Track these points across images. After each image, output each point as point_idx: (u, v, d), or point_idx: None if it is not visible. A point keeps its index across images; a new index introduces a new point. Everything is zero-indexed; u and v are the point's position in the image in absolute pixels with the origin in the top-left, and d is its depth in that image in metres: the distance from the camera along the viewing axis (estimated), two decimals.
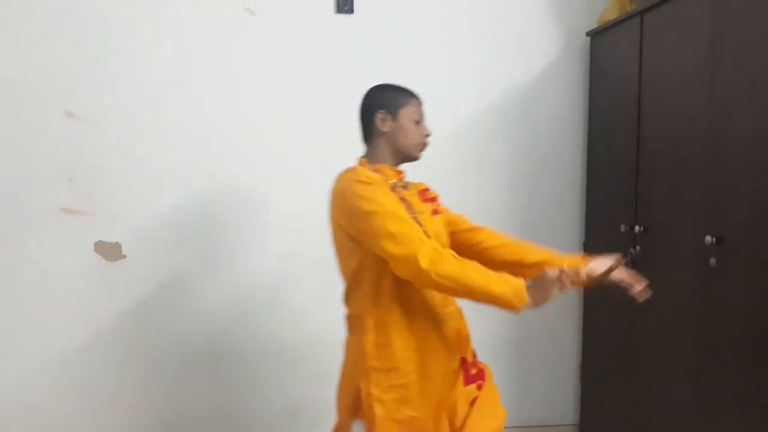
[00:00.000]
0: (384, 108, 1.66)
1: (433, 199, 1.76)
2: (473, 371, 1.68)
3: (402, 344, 1.57)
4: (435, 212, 1.72)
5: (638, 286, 1.65)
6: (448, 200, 1.80)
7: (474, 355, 1.73)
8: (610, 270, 1.57)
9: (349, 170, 1.63)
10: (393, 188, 1.62)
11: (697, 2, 1.91)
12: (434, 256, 1.45)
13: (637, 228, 2.23)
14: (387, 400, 1.55)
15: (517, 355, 2.73)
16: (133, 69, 2.36)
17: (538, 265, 1.64)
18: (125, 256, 2.41)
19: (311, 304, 2.52)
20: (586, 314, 2.73)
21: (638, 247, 2.23)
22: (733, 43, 1.77)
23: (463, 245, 1.74)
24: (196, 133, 2.42)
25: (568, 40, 2.68)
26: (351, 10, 2.49)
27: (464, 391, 1.64)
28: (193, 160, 2.43)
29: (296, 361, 2.56)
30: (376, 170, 1.64)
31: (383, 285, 1.57)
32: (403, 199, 1.61)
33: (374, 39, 2.52)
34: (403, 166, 1.71)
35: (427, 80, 2.27)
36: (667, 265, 2.09)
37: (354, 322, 1.65)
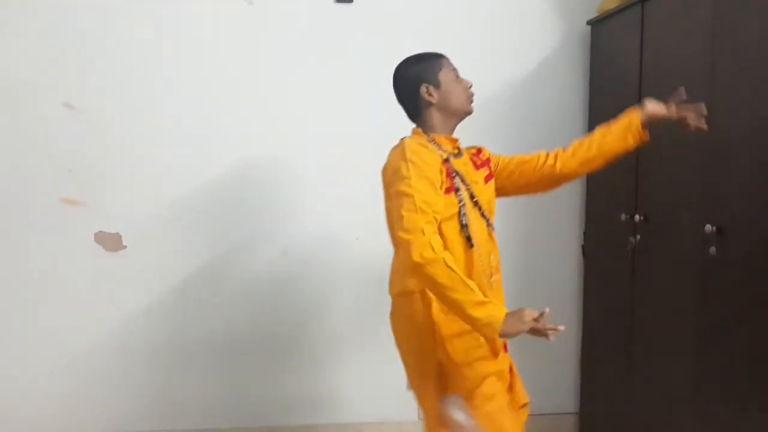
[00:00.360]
0: (424, 80, 1.68)
1: (487, 162, 1.80)
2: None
3: None
4: (488, 177, 1.77)
5: (699, 119, 1.71)
6: None
7: None
8: (669, 108, 1.72)
9: (401, 144, 1.63)
10: (446, 161, 1.63)
11: None
12: (427, 254, 1.45)
13: (637, 217, 2.23)
14: (474, 362, 1.61)
15: (517, 343, 2.70)
16: (132, 61, 2.35)
17: (599, 153, 1.79)
18: (125, 247, 2.41)
19: (312, 298, 2.53)
20: (586, 302, 2.74)
21: (638, 236, 2.24)
22: (733, 32, 1.77)
23: (531, 174, 1.81)
24: (196, 123, 2.42)
25: (569, 30, 2.67)
26: (350, 0, 2.48)
27: (506, 356, 1.75)
28: (193, 151, 2.43)
29: (300, 354, 2.57)
30: (432, 141, 1.66)
31: None
32: (455, 173, 1.63)
33: (373, 29, 2.51)
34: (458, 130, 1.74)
35: None
36: (667, 254, 2.09)
37: (408, 299, 1.66)
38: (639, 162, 2.25)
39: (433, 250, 1.46)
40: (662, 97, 1.83)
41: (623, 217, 2.31)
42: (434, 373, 1.66)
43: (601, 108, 2.59)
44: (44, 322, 2.38)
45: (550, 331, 1.50)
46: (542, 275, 2.74)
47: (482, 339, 1.61)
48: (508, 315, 1.47)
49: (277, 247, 2.51)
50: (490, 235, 1.74)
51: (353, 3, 2.48)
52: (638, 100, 2.24)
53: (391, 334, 1.74)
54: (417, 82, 1.69)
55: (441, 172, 1.60)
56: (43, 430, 2.40)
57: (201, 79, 2.40)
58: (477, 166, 1.76)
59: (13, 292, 2.35)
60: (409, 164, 1.55)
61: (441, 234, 1.56)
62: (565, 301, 2.78)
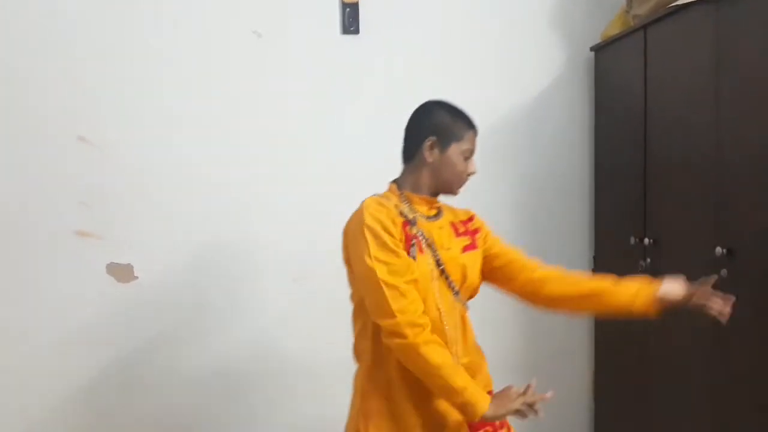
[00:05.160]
0: (437, 135, 1.54)
1: (474, 233, 1.63)
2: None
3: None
4: (469, 247, 1.59)
5: (725, 309, 1.52)
6: None
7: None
8: (692, 294, 1.53)
9: (361, 209, 1.52)
10: (407, 223, 1.50)
11: (700, 15, 1.92)
12: (421, 337, 1.39)
13: (646, 240, 2.22)
14: None
15: (529, 373, 2.68)
16: (143, 95, 2.39)
17: (594, 295, 1.57)
18: (137, 278, 2.43)
19: (322, 326, 2.52)
20: (598, 331, 2.72)
21: (649, 260, 2.23)
22: (737, 55, 1.78)
23: (507, 278, 1.65)
24: (206, 156, 2.44)
25: (573, 56, 2.70)
26: (357, 31, 2.52)
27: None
28: (204, 183, 2.45)
29: (310, 382, 2.56)
30: (405, 199, 1.56)
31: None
32: (419, 237, 1.50)
33: (380, 59, 2.55)
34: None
35: None
36: (678, 277, 2.08)
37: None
38: (647, 185, 2.25)
39: (422, 328, 1.40)
40: (666, 120, 1.83)
41: (633, 240, 2.30)
42: None
43: (606, 134, 2.61)
44: (55, 352, 2.38)
45: (538, 402, 1.39)
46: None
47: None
48: (494, 396, 1.42)
49: (288, 275, 2.52)
50: (460, 313, 1.56)
51: (359, 34, 2.53)
52: (643, 123, 2.25)
53: None
54: (429, 131, 1.54)
55: (399, 234, 1.47)
56: None
57: (211, 112, 2.44)
58: (458, 234, 1.60)
59: (26, 323, 2.36)
60: (368, 233, 1.45)
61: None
62: (575, 327, 2.76)
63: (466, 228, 1.63)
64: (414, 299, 1.43)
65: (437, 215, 1.60)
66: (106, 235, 2.39)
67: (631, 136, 2.33)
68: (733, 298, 1.53)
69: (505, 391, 1.44)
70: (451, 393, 1.40)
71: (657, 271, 2.18)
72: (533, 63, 2.67)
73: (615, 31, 2.47)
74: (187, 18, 2.41)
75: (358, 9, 2.51)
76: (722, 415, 1.86)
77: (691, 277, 1.99)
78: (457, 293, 1.55)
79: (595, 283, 1.60)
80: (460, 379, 1.40)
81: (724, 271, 1.80)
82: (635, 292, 1.56)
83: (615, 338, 2.57)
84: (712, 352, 1.90)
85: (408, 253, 1.47)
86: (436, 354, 1.40)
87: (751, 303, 1.73)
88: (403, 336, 1.40)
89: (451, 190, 1.60)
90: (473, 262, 1.59)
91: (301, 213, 2.51)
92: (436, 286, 1.51)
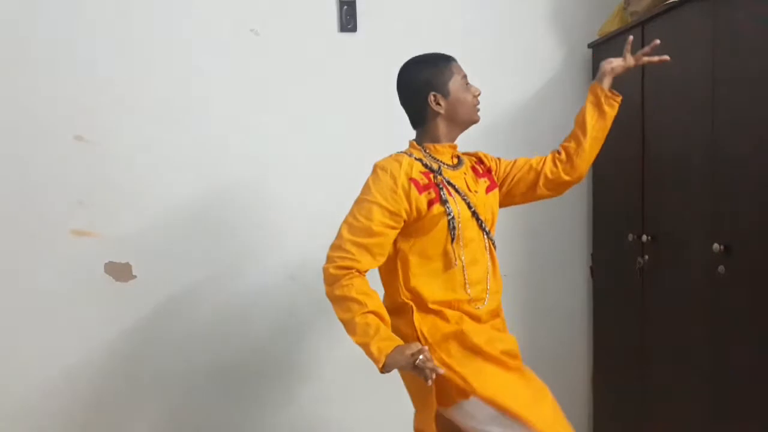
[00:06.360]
0: (433, 88, 1.62)
1: (488, 172, 1.75)
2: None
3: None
4: (490, 188, 1.71)
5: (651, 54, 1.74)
6: None
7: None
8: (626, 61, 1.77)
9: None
10: (432, 171, 1.61)
11: (698, 13, 1.93)
12: (340, 274, 1.54)
13: (644, 237, 2.22)
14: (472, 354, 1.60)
15: (528, 363, 2.72)
16: (141, 94, 2.39)
17: (592, 140, 1.78)
18: (135, 276, 2.42)
19: (321, 320, 2.53)
20: (596, 323, 2.72)
21: (646, 256, 2.23)
22: (734, 52, 1.79)
23: (528, 188, 1.80)
24: (204, 155, 2.44)
25: (570, 53, 2.70)
26: (354, 29, 2.52)
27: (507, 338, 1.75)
28: (202, 182, 2.45)
29: (310, 381, 2.56)
30: (428, 152, 1.65)
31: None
32: (446, 185, 1.60)
33: (377, 56, 2.54)
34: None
35: None
36: (676, 273, 2.09)
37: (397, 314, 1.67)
38: (645, 182, 2.25)
39: (347, 274, 1.54)
40: (663, 117, 1.84)
41: (631, 237, 2.31)
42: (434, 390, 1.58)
43: None
44: (53, 352, 2.38)
45: (428, 370, 1.43)
46: (551, 297, 2.73)
47: (470, 339, 1.59)
48: (396, 348, 1.47)
49: (286, 273, 2.52)
50: (490, 252, 1.68)
51: (357, 32, 2.53)
52: (641, 120, 2.25)
53: None
54: (425, 89, 1.62)
55: (406, 191, 1.57)
56: None
57: (209, 110, 2.44)
58: (478, 175, 1.71)
59: (23, 322, 2.36)
60: (369, 187, 1.60)
61: (411, 253, 1.60)
62: (574, 322, 2.76)
63: (482, 169, 1.75)
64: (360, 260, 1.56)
65: (459, 164, 1.69)
66: (104, 234, 2.39)
67: (629, 133, 2.33)
68: (656, 41, 1.77)
69: (403, 348, 1.47)
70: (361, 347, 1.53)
71: (655, 269, 2.19)
72: (531, 60, 2.67)
73: (612, 28, 2.47)
74: (185, 16, 2.40)
75: (355, 7, 2.51)
76: (722, 415, 1.87)
77: (690, 275, 2.00)
78: (488, 233, 1.66)
79: (582, 136, 1.78)
80: (358, 337, 1.51)
81: (721, 268, 1.80)
82: (596, 102, 1.78)
83: (614, 338, 2.57)
84: (711, 351, 1.91)
85: (438, 198, 1.57)
86: (341, 310, 1.55)
87: (748, 299, 1.74)
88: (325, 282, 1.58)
89: (473, 120, 1.69)
90: (495, 200, 1.72)
91: (299, 210, 2.51)
92: (471, 228, 1.61)
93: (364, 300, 1.51)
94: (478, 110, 1.70)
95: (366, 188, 1.61)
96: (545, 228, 2.71)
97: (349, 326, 1.53)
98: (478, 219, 1.63)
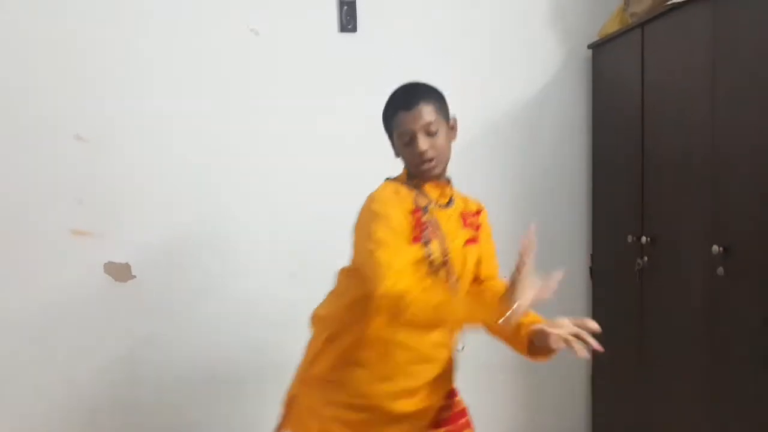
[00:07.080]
0: (386, 131, 1.57)
1: (478, 227, 1.62)
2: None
3: None
4: (471, 241, 1.58)
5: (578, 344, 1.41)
6: None
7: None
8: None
9: (371, 193, 1.53)
10: (419, 210, 1.49)
11: (698, 13, 1.92)
12: (402, 305, 1.35)
13: (644, 239, 2.22)
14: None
15: (528, 365, 2.71)
16: (140, 91, 2.39)
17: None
18: (135, 277, 2.43)
19: None
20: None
21: (646, 258, 2.23)
22: (733, 52, 1.78)
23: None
24: (204, 154, 2.44)
25: (570, 54, 2.69)
26: (354, 29, 2.52)
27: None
28: (202, 182, 2.45)
29: None
30: (414, 186, 1.54)
31: None
32: (429, 224, 1.48)
33: (377, 57, 2.54)
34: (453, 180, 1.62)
35: None
36: (675, 275, 2.09)
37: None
38: (644, 183, 2.25)
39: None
40: (663, 118, 1.83)
41: (630, 239, 2.31)
42: None
43: (603, 132, 2.61)
44: (53, 351, 2.38)
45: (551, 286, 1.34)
46: (550, 298, 2.73)
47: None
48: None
49: (286, 270, 2.52)
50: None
51: (357, 32, 2.52)
52: (641, 121, 2.25)
53: None
54: (386, 130, 1.58)
55: (409, 222, 1.46)
56: None
57: (208, 110, 2.43)
58: (465, 224, 1.59)
59: (23, 322, 2.36)
60: (375, 217, 1.43)
61: None
62: None
63: (472, 222, 1.62)
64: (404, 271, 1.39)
65: (449, 203, 1.58)
66: (103, 234, 2.39)
67: (629, 134, 2.33)
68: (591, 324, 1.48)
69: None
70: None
71: (654, 270, 2.19)
72: (531, 61, 2.67)
73: (612, 29, 2.47)
74: (185, 16, 2.40)
75: (355, 7, 2.51)
76: (721, 415, 1.87)
77: (689, 276, 1.99)
78: (456, 281, 1.54)
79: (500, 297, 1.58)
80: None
81: (720, 269, 1.80)
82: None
83: (614, 339, 2.57)
84: (710, 352, 1.90)
85: (420, 240, 1.46)
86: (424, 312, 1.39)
87: (747, 300, 1.74)
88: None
89: (420, 174, 1.54)
90: (472, 255, 1.59)
91: (299, 210, 2.51)
92: (440, 274, 1.50)
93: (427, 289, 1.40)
94: (423, 166, 1.51)
95: (369, 214, 1.46)
96: (545, 229, 2.70)
97: (444, 310, 1.40)
98: (449, 268, 1.52)
